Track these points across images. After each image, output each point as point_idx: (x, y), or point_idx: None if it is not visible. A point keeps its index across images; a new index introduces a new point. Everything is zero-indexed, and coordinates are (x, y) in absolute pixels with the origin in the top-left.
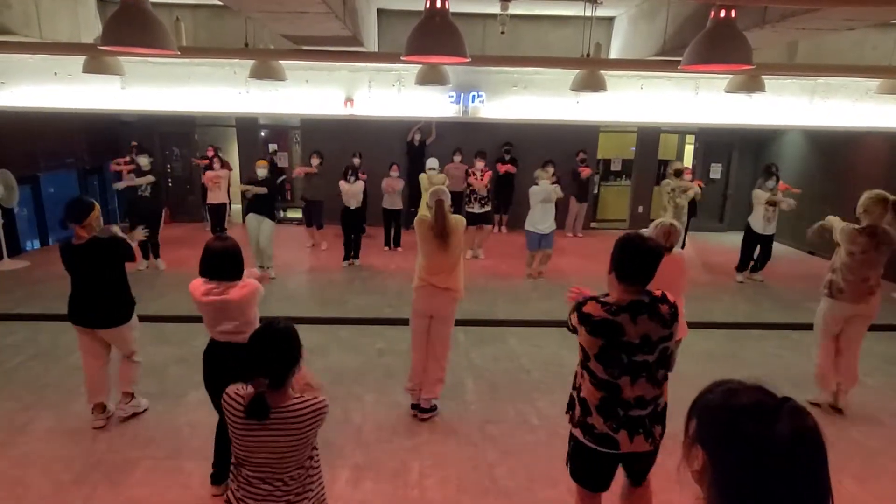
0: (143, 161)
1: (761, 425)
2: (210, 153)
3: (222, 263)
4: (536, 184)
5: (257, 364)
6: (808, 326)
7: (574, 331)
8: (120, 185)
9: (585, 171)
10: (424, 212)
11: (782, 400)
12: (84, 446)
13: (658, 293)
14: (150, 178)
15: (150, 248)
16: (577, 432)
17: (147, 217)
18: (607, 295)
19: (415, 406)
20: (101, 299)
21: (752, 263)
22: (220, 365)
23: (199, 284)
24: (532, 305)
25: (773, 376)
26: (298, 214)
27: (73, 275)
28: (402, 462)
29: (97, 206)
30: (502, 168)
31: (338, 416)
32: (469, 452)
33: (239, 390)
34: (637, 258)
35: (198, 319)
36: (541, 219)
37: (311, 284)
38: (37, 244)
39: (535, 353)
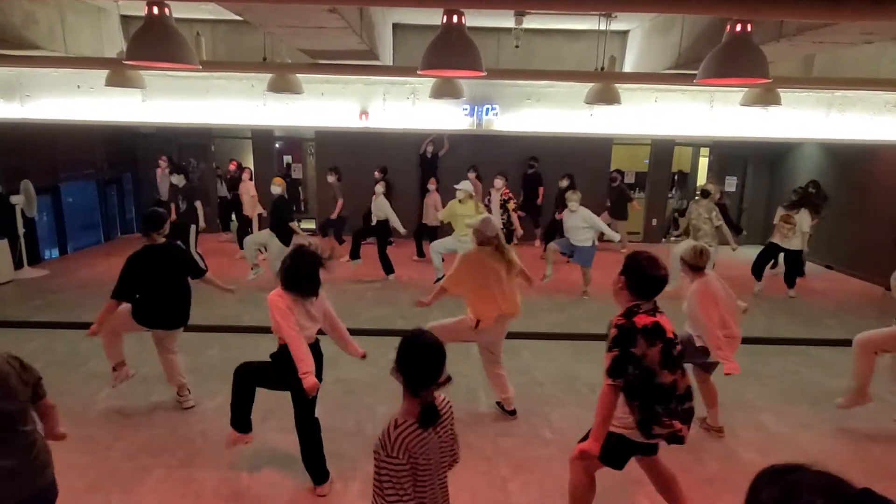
0: (177, 179)
1: None
2: (233, 166)
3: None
4: (566, 205)
5: (423, 377)
6: (828, 342)
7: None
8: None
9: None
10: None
11: (857, 496)
12: (99, 454)
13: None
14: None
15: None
16: None
17: (175, 232)
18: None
19: None
20: (172, 302)
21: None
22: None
23: None
24: (545, 318)
25: (793, 393)
26: (312, 226)
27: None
28: None
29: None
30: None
31: (350, 428)
32: (483, 466)
33: (400, 417)
34: (640, 278)
35: (210, 329)
36: (578, 234)
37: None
38: (56, 253)
39: (548, 366)
